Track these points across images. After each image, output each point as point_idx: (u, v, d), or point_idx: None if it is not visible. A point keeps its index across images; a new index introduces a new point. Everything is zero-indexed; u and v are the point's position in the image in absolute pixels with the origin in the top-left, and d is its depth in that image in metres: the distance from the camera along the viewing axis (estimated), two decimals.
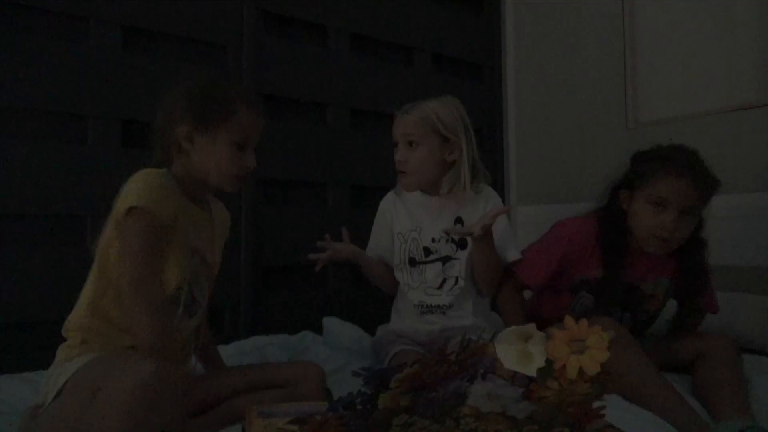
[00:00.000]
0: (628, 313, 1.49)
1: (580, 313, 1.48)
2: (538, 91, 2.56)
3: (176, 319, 1.12)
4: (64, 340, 1.15)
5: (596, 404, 0.63)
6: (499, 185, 2.59)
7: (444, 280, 1.58)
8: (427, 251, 1.60)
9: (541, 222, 2.47)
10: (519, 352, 0.57)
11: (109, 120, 1.73)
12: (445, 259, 1.59)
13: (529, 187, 2.51)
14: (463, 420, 0.67)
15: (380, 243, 1.70)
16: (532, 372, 0.57)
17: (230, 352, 1.57)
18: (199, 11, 1.90)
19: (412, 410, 0.70)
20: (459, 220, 1.59)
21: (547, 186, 2.44)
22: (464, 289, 1.57)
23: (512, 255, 1.57)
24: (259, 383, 1.12)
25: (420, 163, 1.56)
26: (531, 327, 0.58)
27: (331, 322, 1.87)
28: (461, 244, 1.58)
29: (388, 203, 1.71)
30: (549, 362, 0.56)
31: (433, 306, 1.58)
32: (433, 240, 1.59)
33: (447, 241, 1.59)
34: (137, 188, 1.07)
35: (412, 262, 1.61)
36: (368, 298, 2.11)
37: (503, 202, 2.59)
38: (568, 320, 0.56)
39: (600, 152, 2.29)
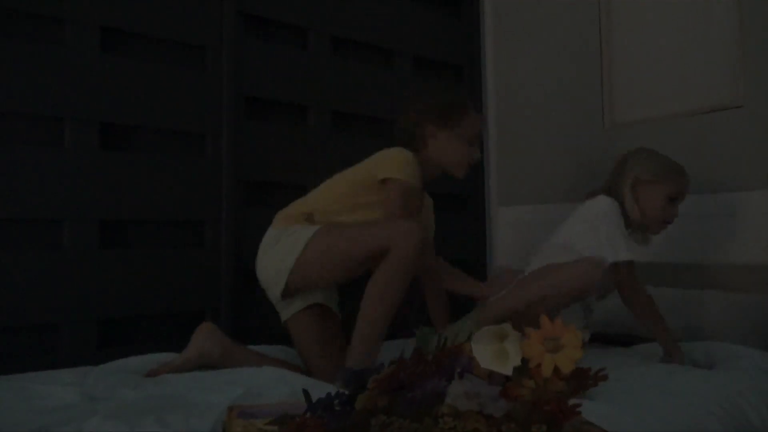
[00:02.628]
0: None
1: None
2: (516, 92, 2.58)
3: None
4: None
5: (573, 401, 0.64)
6: (479, 187, 2.61)
7: None
8: None
9: (521, 223, 2.50)
10: (495, 351, 0.58)
11: (87, 122, 1.72)
12: None
13: (508, 189, 2.53)
14: (442, 419, 0.67)
15: None
16: (508, 371, 0.58)
17: None
18: (179, 12, 1.89)
19: (391, 410, 0.70)
20: None
21: (526, 187, 2.47)
22: None
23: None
24: None
25: None
26: (507, 326, 0.59)
27: None
28: None
29: None
30: (524, 361, 0.57)
31: None
32: None
33: None
34: (397, 163, 1.58)
35: None
36: (351, 300, 2.11)
37: (483, 204, 2.62)
38: (544, 319, 0.57)
39: (577, 153, 2.32)
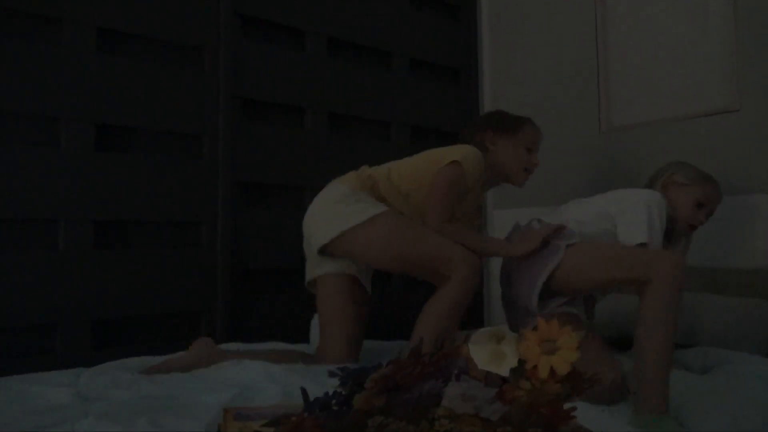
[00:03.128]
0: None
1: None
2: (513, 96, 2.58)
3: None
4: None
5: (567, 405, 0.64)
6: None
7: None
8: None
9: None
10: (491, 352, 0.57)
11: (83, 123, 1.71)
12: None
13: (504, 191, 2.53)
14: (438, 421, 0.67)
15: None
16: (504, 372, 0.58)
17: None
18: (176, 13, 1.89)
19: (387, 411, 0.70)
20: None
21: (523, 190, 2.46)
22: None
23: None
24: None
25: None
26: (504, 328, 0.59)
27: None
28: None
29: None
30: (521, 362, 0.57)
31: None
32: None
33: None
34: (465, 152, 1.64)
35: None
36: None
37: (480, 205, 2.62)
38: (540, 321, 0.57)
39: (574, 156, 2.33)
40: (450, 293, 1.49)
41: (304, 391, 0.73)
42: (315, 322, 1.87)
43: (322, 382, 1.21)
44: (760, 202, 1.81)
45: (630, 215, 1.52)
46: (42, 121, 1.67)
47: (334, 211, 1.57)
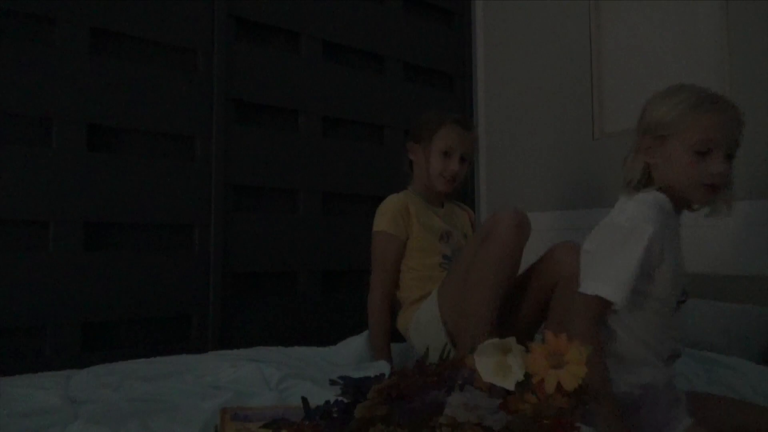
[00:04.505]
0: None
1: None
2: (507, 101, 2.59)
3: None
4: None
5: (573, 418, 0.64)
6: (469, 194, 2.62)
7: None
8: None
9: None
10: (497, 364, 0.57)
11: (75, 123, 1.69)
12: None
13: (498, 196, 2.54)
14: (439, 429, 0.67)
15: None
16: (510, 385, 0.57)
17: None
18: (170, 15, 1.88)
19: (389, 420, 0.70)
20: None
21: (516, 196, 2.48)
22: None
23: None
24: None
25: None
26: (511, 340, 0.59)
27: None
28: None
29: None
30: (527, 376, 0.56)
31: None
32: None
33: None
34: (380, 212, 1.67)
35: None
36: (337, 306, 2.11)
37: (474, 210, 2.63)
38: (549, 334, 0.57)
39: (567, 162, 2.34)
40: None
41: (304, 400, 0.73)
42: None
43: (321, 388, 1.21)
44: (755, 209, 1.83)
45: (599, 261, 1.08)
46: (34, 121, 1.65)
47: None
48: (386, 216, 1.63)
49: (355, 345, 1.66)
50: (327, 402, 0.73)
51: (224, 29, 1.97)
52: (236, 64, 2.00)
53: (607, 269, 1.03)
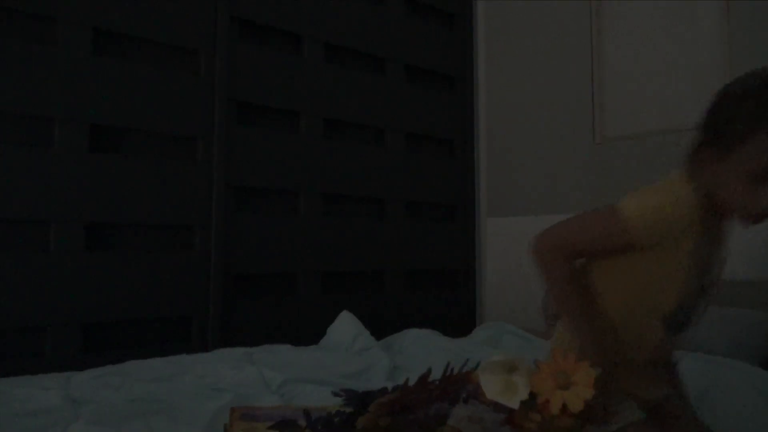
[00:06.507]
0: None
1: None
2: (508, 104, 2.60)
3: None
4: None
5: None
6: (469, 197, 2.62)
7: None
8: None
9: (510, 234, 2.51)
10: (503, 382, 0.57)
11: (77, 124, 1.69)
12: None
13: (499, 200, 2.54)
14: None
15: None
16: (515, 404, 0.57)
17: None
18: (172, 15, 1.87)
19: (392, 431, 0.70)
20: None
21: (516, 198, 2.48)
22: None
23: None
24: None
25: None
26: (518, 358, 0.59)
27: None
28: None
29: None
30: (532, 395, 0.57)
31: None
32: None
33: None
34: None
35: None
36: (337, 307, 2.11)
37: (474, 214, 2.63)
38: (555, 353, 0.57)
39: (567, 166, 2.34)
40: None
41: (306, 412, 0.73)
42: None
43: (321, 393, 1.21)
44: None
45: None
46: (36, 121, 1.64)
47: None
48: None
49: (345, 327, 1.72)
50: (329, 412, 0.73)
51: (226, 31, 1.97)
52: (238, 66, 2.00)
53: None
